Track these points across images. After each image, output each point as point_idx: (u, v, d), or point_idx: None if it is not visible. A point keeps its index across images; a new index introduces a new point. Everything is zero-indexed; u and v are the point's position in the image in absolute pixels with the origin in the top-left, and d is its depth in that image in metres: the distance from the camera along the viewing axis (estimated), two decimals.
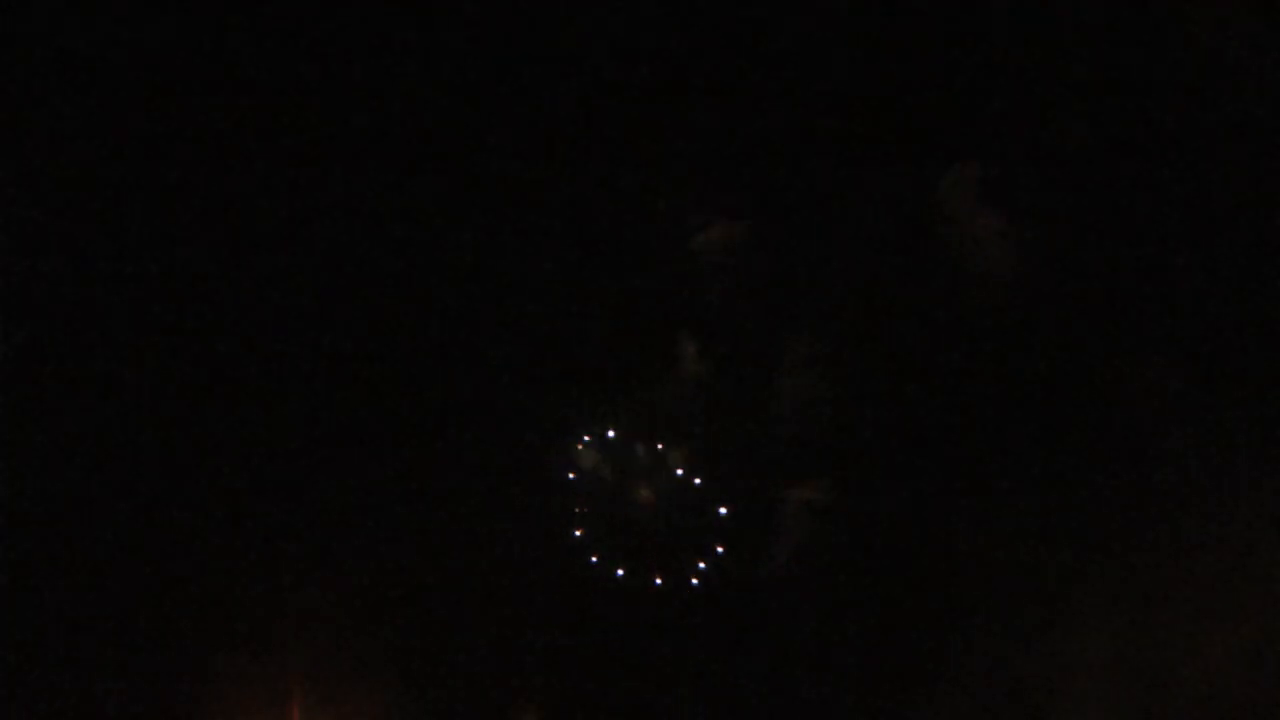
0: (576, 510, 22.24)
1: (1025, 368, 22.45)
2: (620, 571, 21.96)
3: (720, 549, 22.16)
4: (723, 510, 22.36)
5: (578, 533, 22.07)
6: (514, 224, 22.87)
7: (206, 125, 21.22)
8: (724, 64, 23.57)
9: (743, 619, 21.79)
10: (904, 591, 21.67)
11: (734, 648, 21.67)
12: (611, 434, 22.51)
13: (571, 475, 22.35)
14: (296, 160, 21.73)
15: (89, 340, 20.66)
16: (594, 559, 21.97)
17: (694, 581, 22.03)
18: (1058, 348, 22.46)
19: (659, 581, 21.97)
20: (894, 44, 23.52)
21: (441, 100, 22.74)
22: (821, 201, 23.28)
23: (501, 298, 22.66)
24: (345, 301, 21.92)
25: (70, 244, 20.37)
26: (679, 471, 22.50)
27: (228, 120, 21.17)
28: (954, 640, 21.05)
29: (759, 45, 23.48)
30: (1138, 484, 21.25)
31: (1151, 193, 22.72)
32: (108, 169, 20.80)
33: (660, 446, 22.57)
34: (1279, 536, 20.35)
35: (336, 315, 21.87)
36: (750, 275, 23.26)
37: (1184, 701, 19.97)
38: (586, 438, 22.45)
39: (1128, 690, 20.18)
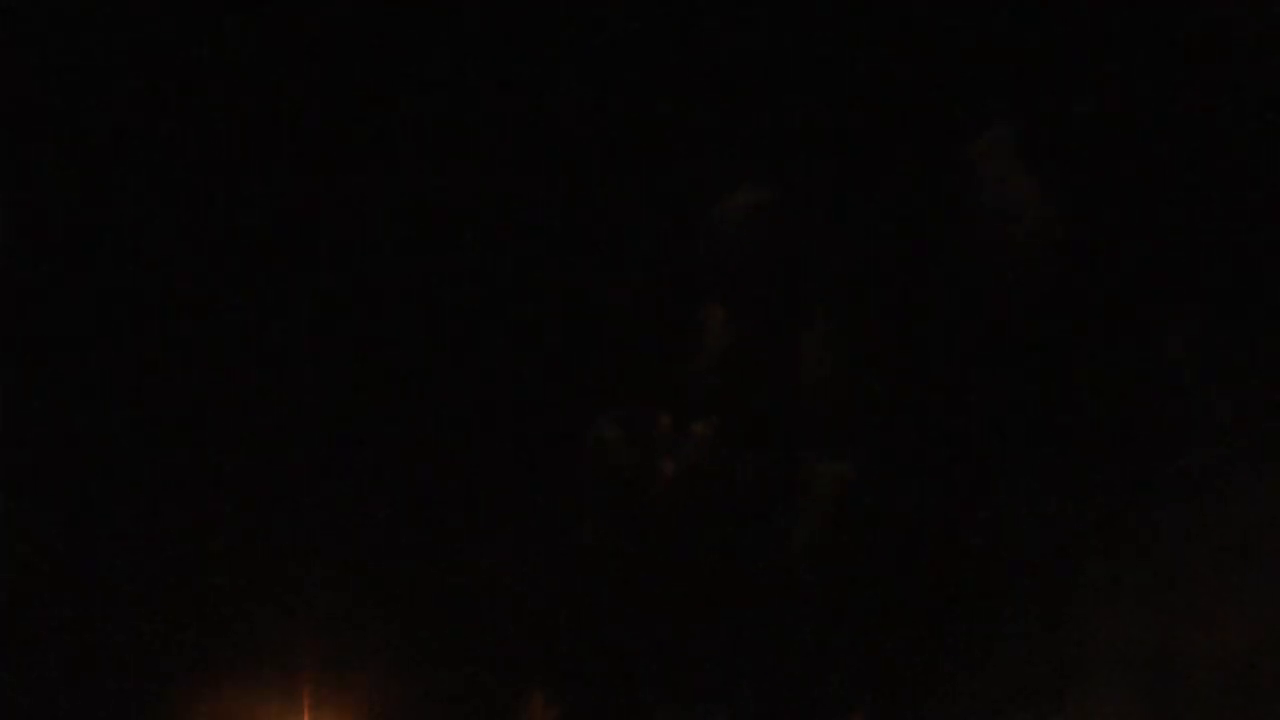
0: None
1: (1058, 342, 22.02)
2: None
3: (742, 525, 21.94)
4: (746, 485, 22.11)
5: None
6: (533, 193, 22.48)
7: (206, 125, 20.94)
8: (747, 25, 22.97)
9: (762, 597, 21.63)
10: (924, 572, 21.47)
11: (752, 626, 21.54)
12: (632, 407, 22.24)
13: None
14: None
15: (92, 339, 20.55)
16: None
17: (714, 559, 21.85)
18: (1090, 322, 22.01)
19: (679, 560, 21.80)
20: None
21: (459, 65, 22.34)
22: (850, 166, 22.71)
23: (518, 268, 22.34)
24: (354, 277, 21.69)
25: (69, 244, 20.21)
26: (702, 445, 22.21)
27: (229, 120, 20.86)
28: (971, 622, 20.95)
29: (782, 5, 22.86)
30: (1163, 461, 20.99)
31: (1196, 159, 22.09)
32: (106, 169, 20.61)
33: (684, 420, 22.27)
34: None
35: (344, 291, 21.66)
36: (776, 243, 22.79)
37: (1200, 685, 19.92)
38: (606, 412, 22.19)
39: (1159, 658, 20.09)
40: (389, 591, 20.38)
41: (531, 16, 22.37)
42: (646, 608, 21.29)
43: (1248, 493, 20.52)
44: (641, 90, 22.73)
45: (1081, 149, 22.50)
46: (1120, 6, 22.17)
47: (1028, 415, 21.70)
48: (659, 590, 21.39)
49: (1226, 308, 21.52)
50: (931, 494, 21.70)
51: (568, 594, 21.13)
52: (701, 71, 22.83)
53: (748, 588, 21.49)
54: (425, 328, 21.90)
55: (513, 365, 21.99)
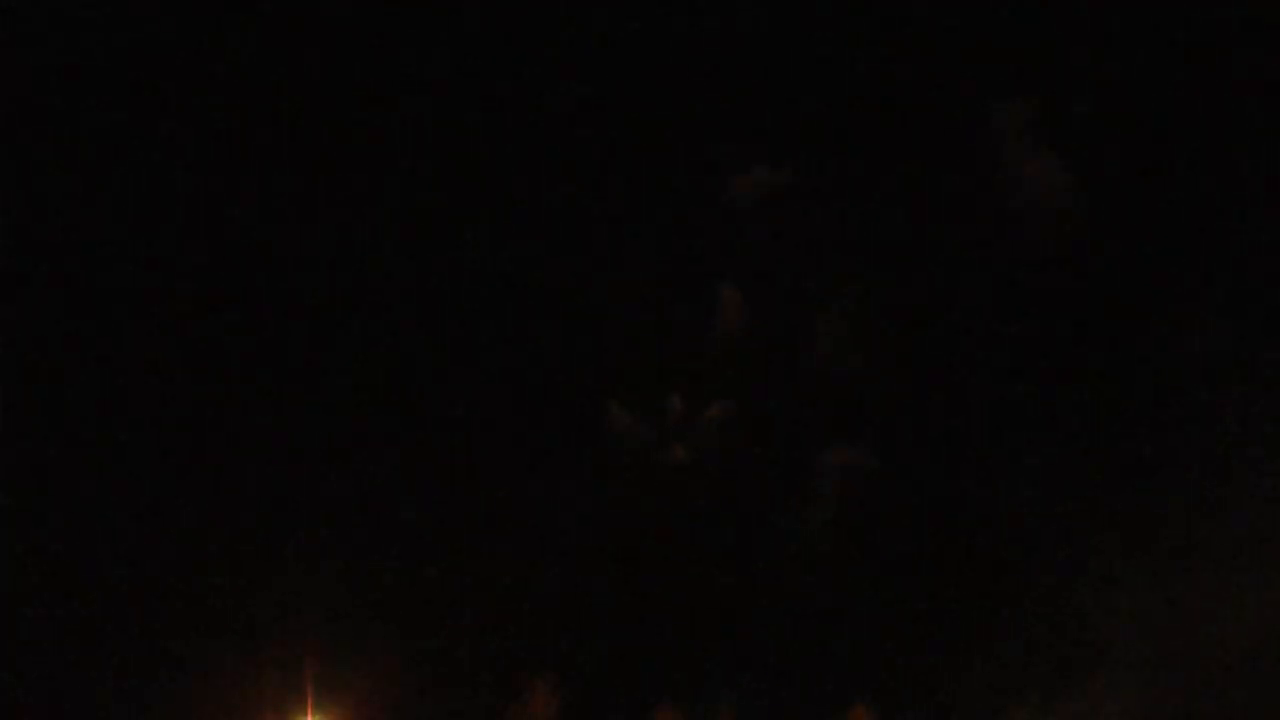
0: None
1: (1075, 323, 21.77)
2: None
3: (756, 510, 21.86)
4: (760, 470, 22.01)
5: None
6: (543, 176, 22.28)
7: (209, 126, 20.81)
8: (763, 7, 22.63)
9: (776, 583, 21.55)
10: (941, 557, 21.35)
11: (766, 611, 21.47)
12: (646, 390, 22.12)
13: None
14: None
15: (98, 339, 20.57)
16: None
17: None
18: (1109, 308, 21.72)
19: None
20: None
21: (481, 48, 22.17)
22: (868, 146, 22.38)
23: (532, 248, 22.16)
24: (366, 261, 21.63)
25: (71, 245, 20.19)
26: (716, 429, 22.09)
27: (230, 120, 20.75)
28: (991, 606, 20.83)
29: None
30: (1180, 441, 20.78)
31: (1216, 141, 21.67)
32: (108, 170, 20.52)
33: (697, 403, 22.13)
34: None
35: (355, 277, 21.60)
36: (792, 225, 22.53)
37: (1219, 661, 19.81)
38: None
39: (1164, 649, 20.01)
40: (396, 579, 20.33)
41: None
42: (654, 596, 21.26)
43: (1262, 482, 20.33)
44: (653, 72, 22.47)
45: (1103, 131, 22.10)
46: None
47: (1042, 404, 21.47)
48: (666, 579, 21.33)
49: (1247, 292, 21.19)
50: (945, 482, 21.53)
51: (574, 583, 21.12)
52: (716, 54, 22.52)
53: (757, 575, 21.43)
54: (435, 312, 21.77)
55: (523, 350, 21.89)
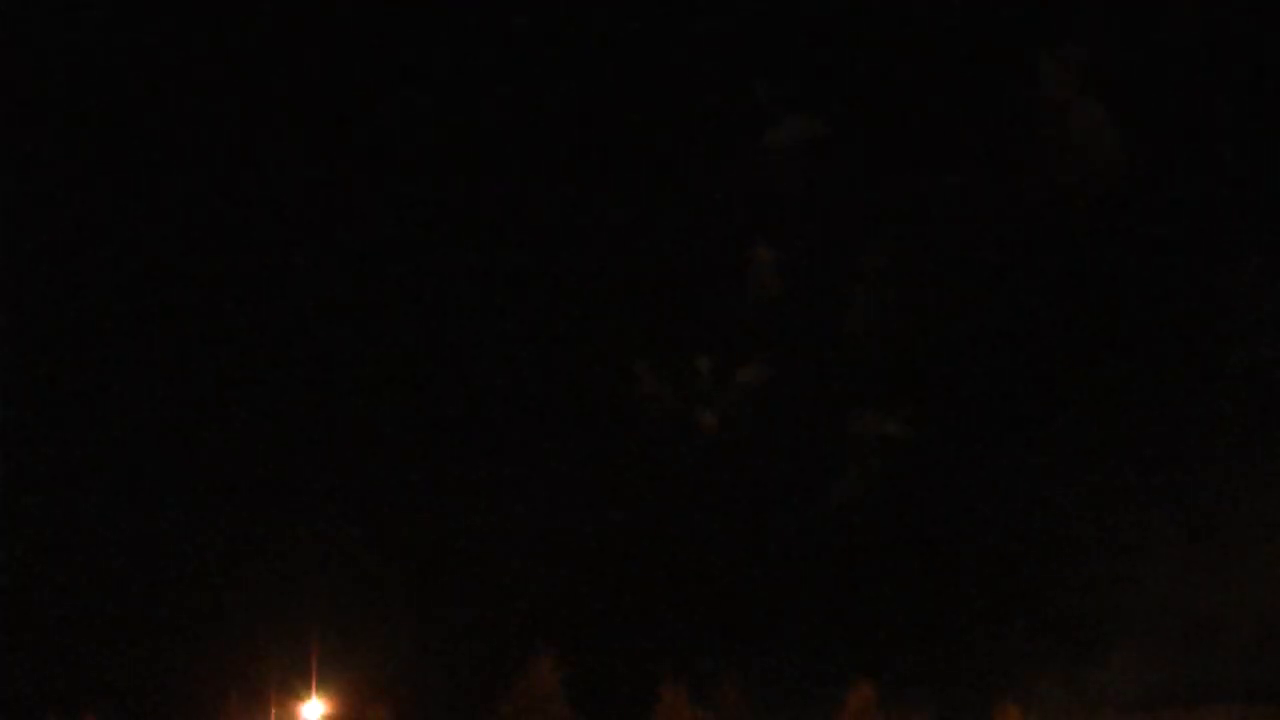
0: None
1: (1116, 292, 20.95)
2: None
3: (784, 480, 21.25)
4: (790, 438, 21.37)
5: None
6: (576, 126, 21.58)
7: (211, 127, 20.50)
8: None
9: (803, 556, 21.01)
10: (969, 530, 20.80)
11: (791, 584, 20.96)
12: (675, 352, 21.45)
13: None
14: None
15: (98, 334, 20.40)
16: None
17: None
18: (1152, 270, 20.87)
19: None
20: None
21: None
22: (908, 93, 21.44)
23: (559, 205, 21.49)
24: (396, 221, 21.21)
25: (72, 246, 20.02)
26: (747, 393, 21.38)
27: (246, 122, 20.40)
28: (1015, 580, 20.42)
29: None
30: (1215, 417, 20.19)
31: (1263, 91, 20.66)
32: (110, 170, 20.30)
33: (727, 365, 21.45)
34: None
35: (382, 234, 21.21)
36: (826, 180, 21.66)
37: (1241, 636, 19.49)
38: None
39: (1188, 623, 19.65)
40: (401, 554, 19.95)
41: None
42: (666, 570, 20.79)
43: None
44: (678, 17, 21.72)
45: (1155, 80, 21.04)
46: None
47: (1076, 377, 20.76)
48: (681, 552, 20.84)
49: None
50: (974, 454, 20.91)
51: (582, 558, 20.65)
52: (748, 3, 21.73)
53: (776, 549, 20.90)
54: (461, 275, 21.22)
55: (547, 310, 21.26)
